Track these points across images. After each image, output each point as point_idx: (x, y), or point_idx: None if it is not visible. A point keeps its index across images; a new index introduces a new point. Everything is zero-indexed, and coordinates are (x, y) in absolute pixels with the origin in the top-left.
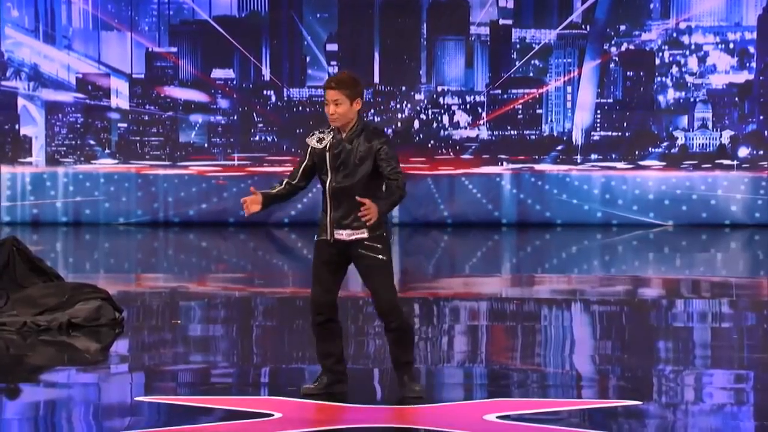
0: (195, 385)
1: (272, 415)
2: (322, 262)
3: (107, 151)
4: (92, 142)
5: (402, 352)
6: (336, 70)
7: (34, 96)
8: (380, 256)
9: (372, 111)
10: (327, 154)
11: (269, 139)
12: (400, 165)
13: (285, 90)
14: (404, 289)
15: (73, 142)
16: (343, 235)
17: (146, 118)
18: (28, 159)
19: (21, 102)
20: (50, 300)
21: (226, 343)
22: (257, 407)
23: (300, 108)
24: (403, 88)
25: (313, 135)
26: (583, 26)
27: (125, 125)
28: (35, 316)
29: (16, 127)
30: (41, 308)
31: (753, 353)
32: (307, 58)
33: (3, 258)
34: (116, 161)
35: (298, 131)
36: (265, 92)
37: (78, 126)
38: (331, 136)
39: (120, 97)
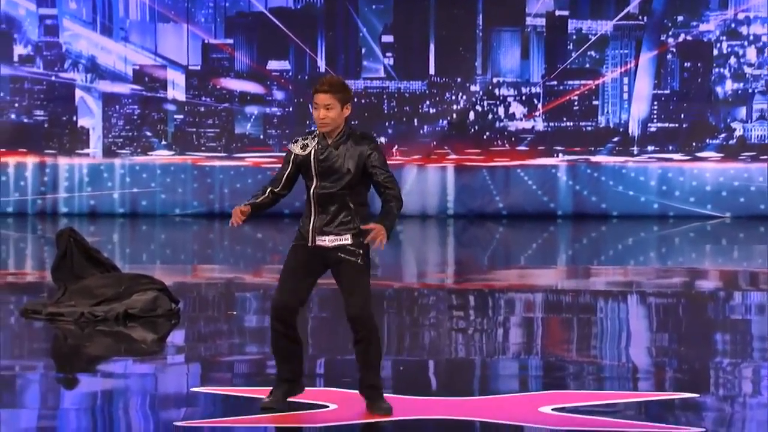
0: (250, 375)
1: (327, 406)
2: (296, 266)
3: (163, 142)
4: (149, 133)
5: (367, 371)
6: (391, 61)
7: (92, 88)
8: (359, 261)
9: (427, 103)
10: (312, 160)
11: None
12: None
13: None
14: (459, 281)
15: (130, 134)
16: (326, 241)
17: (202, 109)
18: (86, 150)
19: (78, 94)
20: (107, 291)
21: None
22: (312, 398)
23: (355, 99)
24: (459, 80)
25: (295, 141)
26: (640, 17)
27: (181, 117)
28: (92, 306)
29: (74, 118)
30: (98, 299)
31: None
32: (363, 50)
33: (61, 249)
34: (172, 152)
35: (353, 122)
36: None
37: (135, 117)
38: (315, 142)
39: (176, 89)
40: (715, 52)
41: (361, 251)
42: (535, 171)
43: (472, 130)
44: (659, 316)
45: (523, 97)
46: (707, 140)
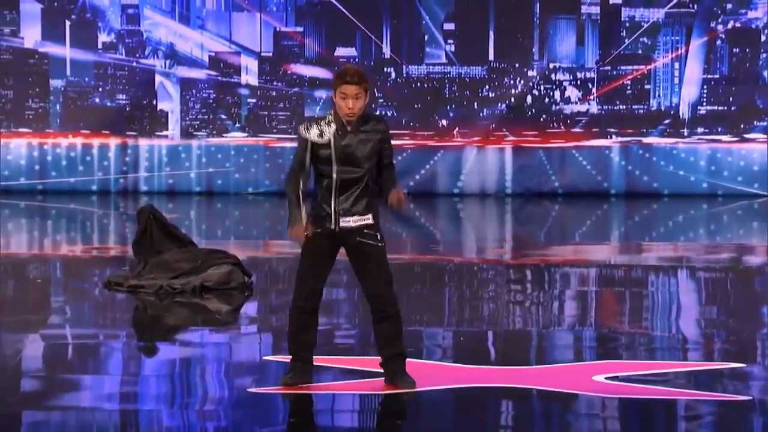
0: (318, 345)
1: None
2: (320, 254)
3: (237, 125)
4: (223, 116)
5: (396, 343)
6: (453, 48)
7: (170, 73)
8: (380, 243)
9: (487, 87)
10: (332, 147)
11: (389, 113)
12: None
13: (404, 67)
14: (517, 257)
15: (206, 117)
16: (350, 222)
17: (274, 93)
18: (165, 132)
19: (158, 79)
20: (184, 264)
21: (347, 306)
22: (377, 367)
23: (418, 84)
24: (517, 65)
25: (309, 128)
26: (690, 5)
27: (254, 101)
28: (171, 279)
29: (154, 102)
30: (176, 272)
31: None
32: (425, 37)
33: (141, 225)
34: (246, 134)
35: (416, 106)
36: (385, 69)
37: (210, 101)
38: (333, 128)
39: (249, 74)
40: (763, 38)
41: (377, 233)
42: (590, 152)
43: (530, 113)
44: (708, 289)
45: (578, 82)
46: (755, 122)
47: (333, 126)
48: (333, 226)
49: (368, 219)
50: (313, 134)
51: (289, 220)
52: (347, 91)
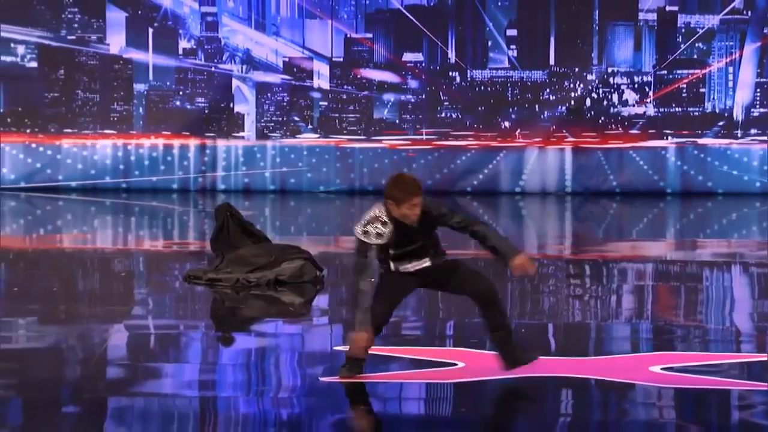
0: (387, 336)
1: (456, 364)
2: (399, 285)
3: (310, 126)
4: (297, 118)
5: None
6: (515, 53)
7: (247, 77)
8: (449, 259)
9: (548, 90)
10: (391, 244)
11: (454, 116)
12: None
13: (468, 71)
14: (576, 252)
15: (280, 119)
16: (409, 267)
17: (344, 97)
18: (241, 134)
19: (235, 83)
20: (260, 259)
21: (414, 299)
22: (443, 357)
23: (482, 87)
24: (576, 69)
25: (366, 232)
26: (744, 11)
27: (326, 103)
28: (246, 273)
29: (231, 105)
30: (252, 266)
31: None
32: (489, 43)
33: (219, 222)
34: (318, 135)
35: (479, 108)
36: (450, 73)
37: (284, 104)
38: (390, 228)
39: (321, 79)
40: None
41: (444, 256)
42: (647, 152)
43: (589, 115)
44: (761, 284)
45: (636, 85)
46: None
47: (390, 226)
48: (393, 269)
49: (426, 262)
50: (373, 238)
51: (358, 320)
52: (416, 202)
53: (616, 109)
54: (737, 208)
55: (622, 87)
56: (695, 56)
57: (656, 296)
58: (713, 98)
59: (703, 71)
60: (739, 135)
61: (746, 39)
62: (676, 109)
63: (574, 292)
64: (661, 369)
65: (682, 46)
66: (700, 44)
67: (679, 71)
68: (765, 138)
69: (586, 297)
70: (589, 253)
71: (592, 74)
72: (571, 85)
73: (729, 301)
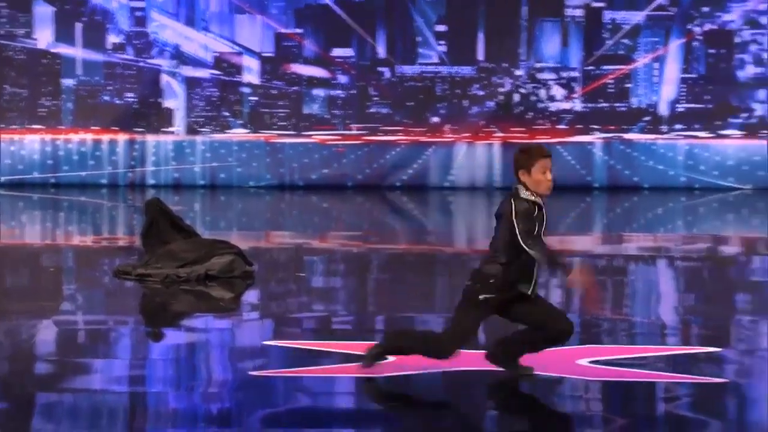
0: (317, 330)
1: (386, 358)
2: (483, 317)
3: (240, 121)
4: (226, 113)
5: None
6: (444, 48)
7: (176, 73)
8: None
9: (477, 86)
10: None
11: (383, 111)
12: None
13: (397, 67)
14: None
15: (210, 114)
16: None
17: (274, 92)
18: (171, 129)
19: (164, 78)
20: (189, 254)
21: (344, 294)
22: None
23: (411, 83)
24: (504, 65)
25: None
26: (669, 8)
27: (256, 98)
28: (176, 268)
29: (160, 100)
30: (182, 262)
31: None
32: (418, 38)
33: (149, 217)
34: (248, 131)
35: (408, 104)
36: (379, 69)
37: (214, 99)
38: (537, 209)
39: (251, 74)
40: (737, 39)
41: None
42: (574, 147)
43: (517, 110)
44: (685, 278)
45: (563, 81)
46: (729, 119)
47: (537, 207)
48: (530, 291)
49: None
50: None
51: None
52: (548, 164)
53: (543, 105)
54: (663, 203)
55: (550, 83)
56: (621, 52)
57: (583, 290)
58: (639, 94)
59: (629, 67)
60: (664, 130)
61: (671, 35)
62: (603, 104)
63: None
64: (588, 362)
65: (608, 42)
66: (627, 40)
67: (605, 67)
68: (690, 133)
69: None
70: None
71: (520, 70)
72: (500, 81)
73: (655, 295)
